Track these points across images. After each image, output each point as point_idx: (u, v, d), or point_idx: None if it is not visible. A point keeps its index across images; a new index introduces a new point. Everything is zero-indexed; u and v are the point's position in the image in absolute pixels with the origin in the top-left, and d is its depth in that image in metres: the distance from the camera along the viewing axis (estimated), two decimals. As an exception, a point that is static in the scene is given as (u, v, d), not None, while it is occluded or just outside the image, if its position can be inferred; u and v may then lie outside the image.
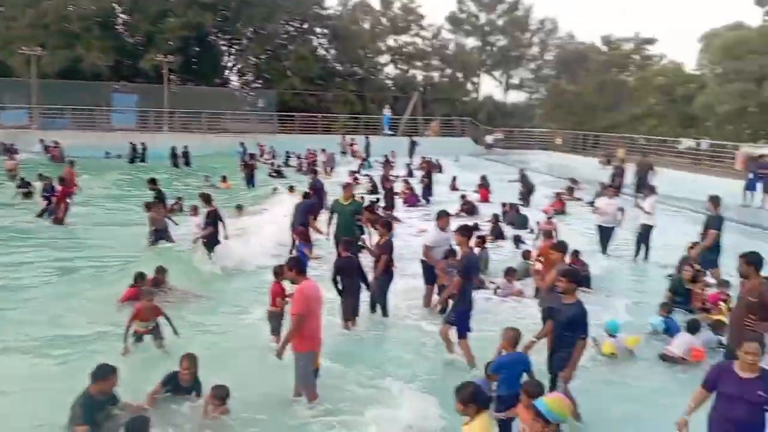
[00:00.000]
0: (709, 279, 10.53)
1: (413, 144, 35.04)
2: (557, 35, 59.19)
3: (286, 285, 7.91)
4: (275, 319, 8.34)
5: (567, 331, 5.85)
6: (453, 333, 7.69)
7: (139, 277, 9.71)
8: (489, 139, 42.45)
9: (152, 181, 15.23)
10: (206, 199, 12.56)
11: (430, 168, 24.59)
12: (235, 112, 44.53)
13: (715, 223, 11.07)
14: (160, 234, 13.17)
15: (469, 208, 18.25)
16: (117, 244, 13.69)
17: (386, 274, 9.20)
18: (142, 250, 12.84)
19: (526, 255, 11.77)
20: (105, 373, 5.59)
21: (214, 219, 12.13)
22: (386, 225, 9.57)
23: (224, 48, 51.88)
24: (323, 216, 12.98)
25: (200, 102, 40.28)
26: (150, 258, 11.61)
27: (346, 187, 12.38)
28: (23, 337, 8.36)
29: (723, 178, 25.49)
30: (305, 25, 51.33)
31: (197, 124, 39.89)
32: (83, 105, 37.21)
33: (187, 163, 29.31)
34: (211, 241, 12.09)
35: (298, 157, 31.31)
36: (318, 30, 52.14)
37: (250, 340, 8.45)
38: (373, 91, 52.54)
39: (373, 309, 9.44)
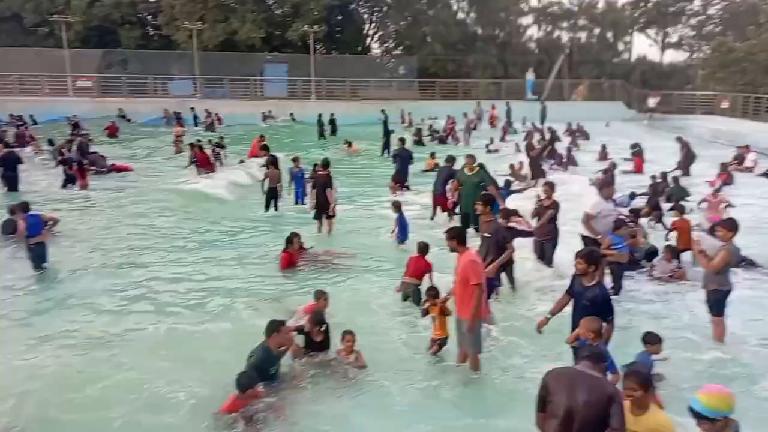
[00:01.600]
0: None
1: (544, 108, 33.70)
2: (724, -13, 52.96)
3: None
4: (406, 288, 8.50)
5: (591, 313, 5.51)
6: None
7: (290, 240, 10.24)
8: (651, 102, 39.30)
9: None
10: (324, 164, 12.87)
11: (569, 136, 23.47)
12: (377, 79, 45.14)
13: None
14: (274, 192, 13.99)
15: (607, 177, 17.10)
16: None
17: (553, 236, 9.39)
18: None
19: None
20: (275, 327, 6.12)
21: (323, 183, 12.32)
22: (551, 185, 9.77)
23: (366, 16, 52.56)
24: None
25: (344, 70, 41.39)
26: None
27: (469, 157, 12.23)
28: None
29: None
30: (445, -10, 50.52)
31: (341, 92, 41.09)
32: (239, 75, 39.77)
33: (334, 131, 30.23)
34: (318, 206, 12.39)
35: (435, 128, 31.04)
36: (458, -7, 51.14)
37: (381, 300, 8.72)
38: (516, 54, 50.69)
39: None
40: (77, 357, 6.90)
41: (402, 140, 18.07)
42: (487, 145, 24.31)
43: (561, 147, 22.73)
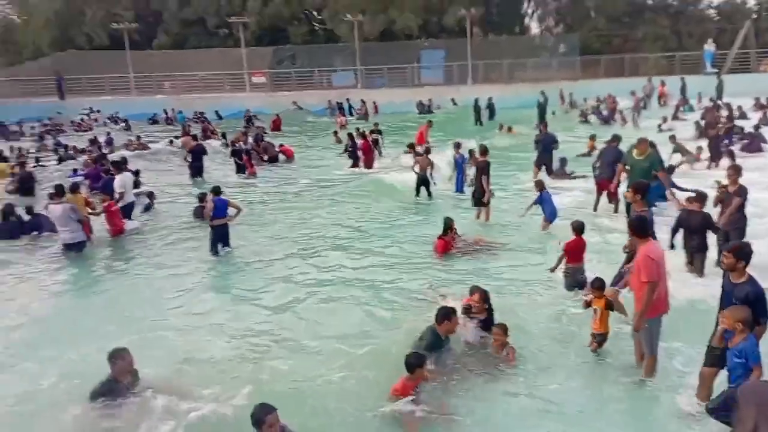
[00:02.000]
0: None
1: (721, 83, 30.30)
2: None
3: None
4: (575, 275, 8.19)
5: None
6: None
7: (448, 227, 10.41)
8: None
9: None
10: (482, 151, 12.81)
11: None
12: (535, 59, 43.58)
13: None
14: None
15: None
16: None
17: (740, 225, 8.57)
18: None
19: None
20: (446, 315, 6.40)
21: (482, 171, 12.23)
22: (736, 168, 8.92)
23: (525, -5, 50.88)
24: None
25: (501, 52, 40.57)
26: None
27: (642, 140, 11.07)
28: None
29: None
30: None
31: (497, 75, 40.31)
32: (397, 64, 40.68)
33: (492, 116, 29.77)
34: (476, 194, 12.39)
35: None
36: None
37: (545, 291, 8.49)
38: (691, 24, 46.02)
39: None
40: (263, 340, 7.49)
41: (545, 125, 17.48)
42: (659, 125, 22.46)
43: (749, 125, 20.37)
